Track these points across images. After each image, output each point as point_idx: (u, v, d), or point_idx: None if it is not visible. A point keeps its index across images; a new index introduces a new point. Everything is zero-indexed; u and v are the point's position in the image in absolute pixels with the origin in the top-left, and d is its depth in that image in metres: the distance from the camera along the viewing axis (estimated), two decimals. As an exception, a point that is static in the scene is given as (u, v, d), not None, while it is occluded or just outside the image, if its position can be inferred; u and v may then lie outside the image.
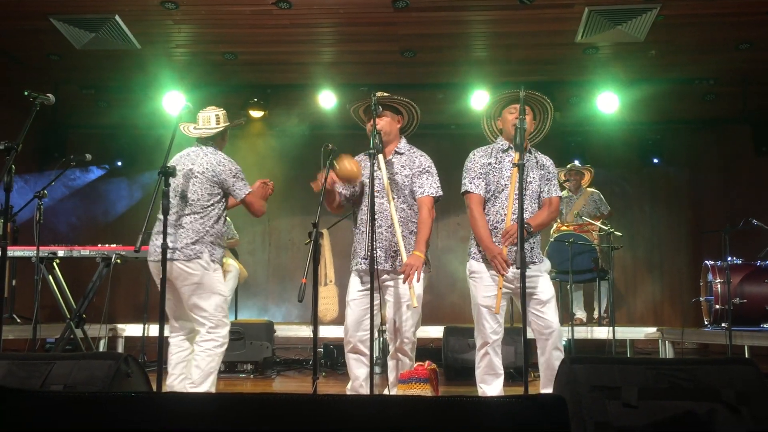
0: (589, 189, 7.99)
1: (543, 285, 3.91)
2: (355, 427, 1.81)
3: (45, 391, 2.48)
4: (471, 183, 4.02)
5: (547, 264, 4.05)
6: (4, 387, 1.86)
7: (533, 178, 3.99)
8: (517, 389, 4.63)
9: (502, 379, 3.97)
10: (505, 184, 3.94)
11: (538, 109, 4.09)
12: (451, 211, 8.91)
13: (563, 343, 6.99)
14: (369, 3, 6.08)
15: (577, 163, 8.07)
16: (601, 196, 7.95)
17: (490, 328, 3.91)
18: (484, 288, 3.93)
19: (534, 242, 3.97)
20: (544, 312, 3.87)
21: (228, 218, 7.17)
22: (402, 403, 1.92)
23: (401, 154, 4.15)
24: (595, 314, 7.76)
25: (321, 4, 6.09)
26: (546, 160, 4.09)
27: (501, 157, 4.03)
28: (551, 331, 3.87)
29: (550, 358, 3.88)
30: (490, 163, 4.03)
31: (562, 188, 7.89)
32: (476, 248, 4.01)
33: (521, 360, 3.54)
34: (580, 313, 7.77)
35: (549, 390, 3.80)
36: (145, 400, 1.96)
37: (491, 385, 3.93)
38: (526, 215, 3.88)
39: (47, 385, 2.63)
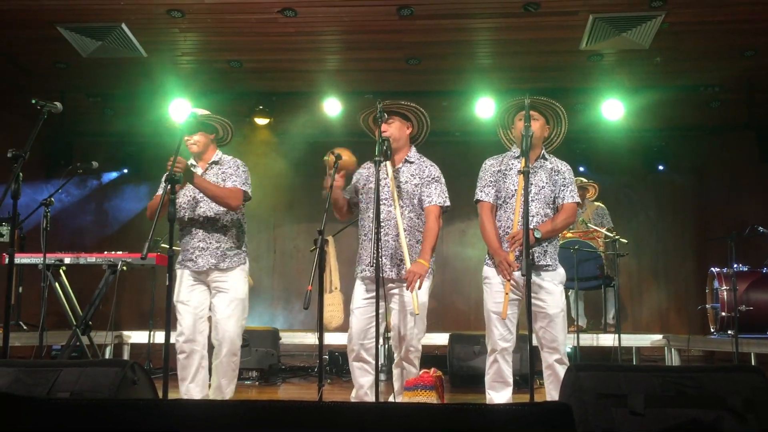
0: (595, 203, 8.00)
1: (553, 298, 3.88)
2: (361, 435, 1.81)
3: (52, 399, 2.49)
4: (481, 191, 4.07)
5: (561, 274, 3.99)
6: (11, 394, 1.87)
7: (545, 183, 3.97)
8: (523, 396, 4.62)
9: (511, 389, 3.96)
10: (514, 190, 3.95)
11: (550, 114, 4.07)
12: (456, 219, 8.91)
13: (568, 350, 7.01)
14: (374, 11, 6.10)
15: (581, 178, 8.05)
16: (606, 211, 7.94)
17: (499, 335, 3.90)
18: (494, 294, 3.93)
19: (547, 246, 3.93)
20: (551, 326, 3.87)
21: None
22: (407, 411, 1.92)
23: (411, 163, 4.17)
24: (603, 321, 7.71)
25: (326, 12, 6.12)
26: (562, 166, 4.06)
27: (511, 164, 4.05)
28: (556, 345, 3.87)
29: (554, 371, 3.89)
30: (500, 170, 4.05)
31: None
32: (489, 254, 4.02)
33: (527, 367, 3.53)
34: (581, 321, 7.74)
35: (555, 398, 3.80)
36: (151, 407, 1.96)
37: (500, 393, 3.93)
38: (537, 220, 3.89)
39: (54, 393, 2.63)
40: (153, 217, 3.85)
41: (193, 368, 4.20)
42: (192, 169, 4.37)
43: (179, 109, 7.71)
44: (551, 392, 3.88)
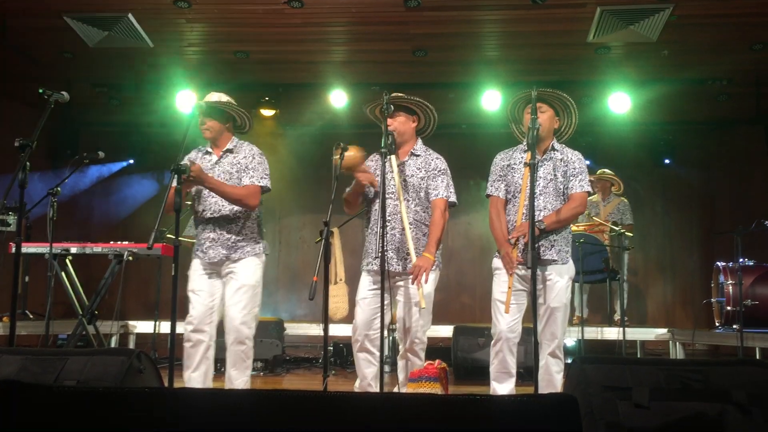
0: (620, 197, 7.98)
1: (557, 292, 3.87)
2: (365, 425, 1.81)
3: (59, 386, 2.50)
4: (491, 186, 4.09)
5: (570, 268, 3.96)
6: (20, 382, 1.88)
7: (553, 175, 3.94)
8: (527, 388, 4.63)
9: (514, 380, 3.96)
10: (521, 184, 3.94)
11: (559, 106, 4.05)
12: (461, 211, 8.90)
13: (573, 343, 7.01)
14: (381, 2, 6.09)
15: (607, 170, 8.04)
16: (629, 207, 7.94)
17: (505, 324, 3.90)
18: (501, 284, 3.93)
19: (555, 239, 3.90)
20: (551, 320, 3.87)
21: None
22: (412, 402, 1.93)
23: (417, 156, 4.16)
24: (616, 317, 7.69)
25: (333, 3, 6.10)
26: (573, 156, 4.02)
27: (519, 157, 4.04)
28: (554, 339, 3.88)
29: (546, 364, 3.90)
30: (508, 164, 4.05)
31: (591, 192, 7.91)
32: None
33: (531, 359, 3.53)
34: (583, 311, 7.74)
35: (543, 389, 3.83)
36: (158, 396, 1.97)
37: (503, 384, 3.94)
38: (545, 213, 3.88)
39: (61, 380, 2.65)
40: (171, 211, 3.72)
41: (197, 358, 4.15)
42: (207, 156, 4.34)
43: (185, 100, 7.72)
44: (543, 388, 3.86)
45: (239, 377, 4.18)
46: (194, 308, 4.18)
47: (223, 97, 4.37)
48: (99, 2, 6.11)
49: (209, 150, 4.37)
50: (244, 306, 4.16)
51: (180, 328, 3.78)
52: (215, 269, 4.25)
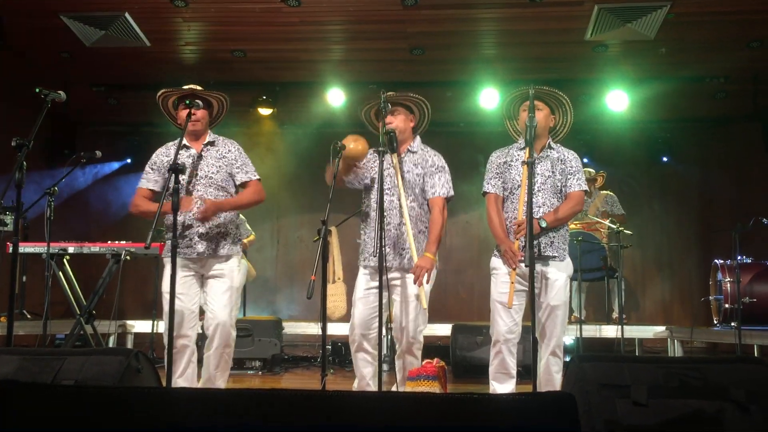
0: (603, 192, 8.00)
1: (557, 290, 3.86)
2: (364, 424, 1.81)
3: (57, 386, 2.50)
4: (488, 183, 4.08)
5: (567, 265, 3.96)
6: (18, 381, 1.88)
7: (551, 172, 3.95)
8: (526, 387, 4.64)
9: (514, 381, 3.95)
10: (519, 181, 3.93)
11: (555, 104, 4.06)
12: (459, 209, 8.90)
13: (571, 341, 7.02)
14: (378, 0, 6.08)
15: (589, 170, 8.05)
16: (616, 198, 7.96)
17: (504, 326, 3.90)
18: (500, 284, 3.93)
19: (554, 236, 3.91)
20: (551, 319, 3.87)
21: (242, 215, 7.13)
22: (410, 400, 1.93)
23: (414, 152, 4.16)
24: (614, 315, 7.69)
25: (330, 1, 6.10)
26: (569, 154, 4.04)
27: (516, 155, 4.04)
28: (553, 338, 3.88)
29: (546, 363, 3.90)
30: (505, 162, 4.05)
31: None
32: (497, 245, 4.02)
33: (529, 358, 3.52)
34: (580, 313, 7.73)
35: (544, 388, 3.83)
36: (155, 395, 1.97)
37: (503, 385, 3.93)
38: (544, 210, 3.88)
39: (58, 380, 2.64)
40: (151, 216, 3.60)
41: (183, 362, 4.06)
42: (185, 150, 4.22)
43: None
44: (542, 386, 3.85)
45: (222, 377, 4.14)
46: (177, 313, 3.96)
47: (197, 88, 4.36)
48: (96, 1, 6.10)
49: (186, 144, 4.23)
50: (232, 308, 4.13)
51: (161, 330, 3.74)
52: (196, 268, 4.15)
